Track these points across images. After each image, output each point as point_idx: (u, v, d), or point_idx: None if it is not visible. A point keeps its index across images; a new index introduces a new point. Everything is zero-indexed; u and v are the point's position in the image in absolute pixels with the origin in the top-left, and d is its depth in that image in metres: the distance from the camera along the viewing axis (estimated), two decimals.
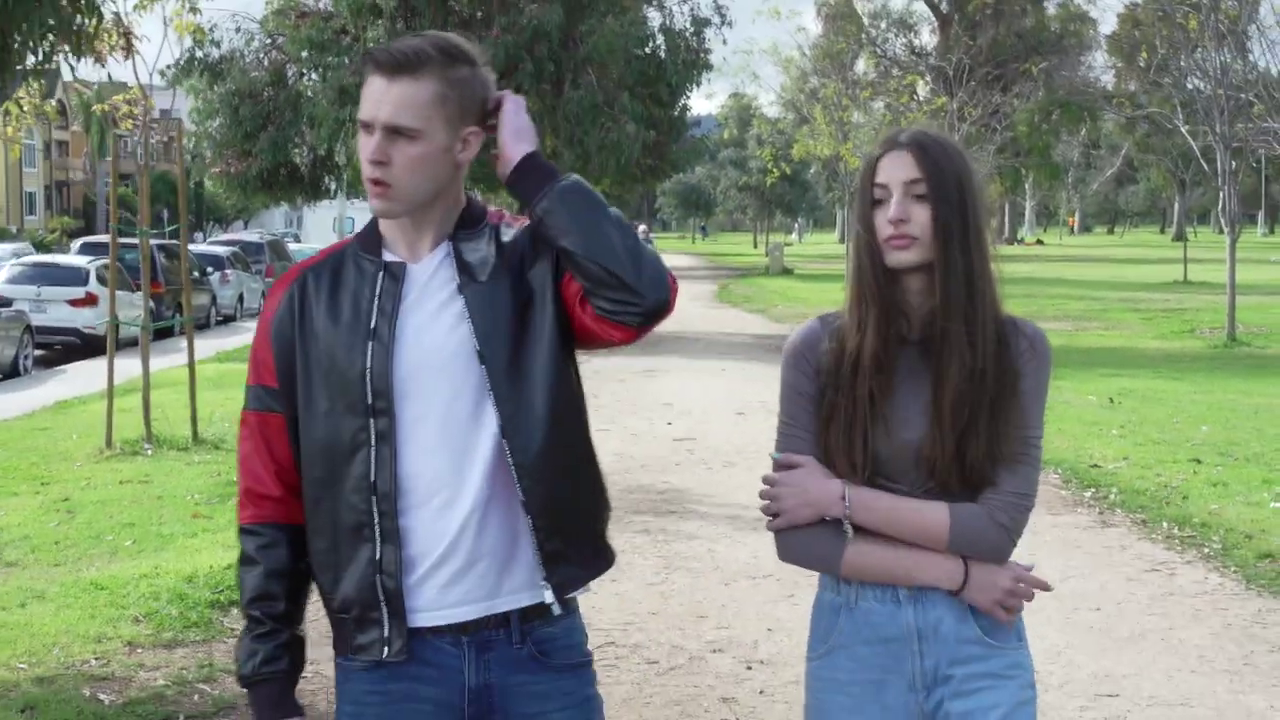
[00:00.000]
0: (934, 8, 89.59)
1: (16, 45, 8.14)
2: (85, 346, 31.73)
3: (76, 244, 52.62)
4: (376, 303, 3.67)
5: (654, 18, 37.94)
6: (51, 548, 11.57)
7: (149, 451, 16.58)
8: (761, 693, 8.04)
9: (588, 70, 32.17)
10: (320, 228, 76.58)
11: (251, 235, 65.93)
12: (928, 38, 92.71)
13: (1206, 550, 11.45)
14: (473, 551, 3.64)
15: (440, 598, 3.65)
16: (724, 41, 46.03)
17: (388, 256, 3.75)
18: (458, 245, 3.74)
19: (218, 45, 33.53)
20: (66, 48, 8.64)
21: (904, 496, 3.72)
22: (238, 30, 34.71)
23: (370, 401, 3.63)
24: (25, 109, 11.13)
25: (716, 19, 36.86)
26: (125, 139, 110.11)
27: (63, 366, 29.05)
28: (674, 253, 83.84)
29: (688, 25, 36.68)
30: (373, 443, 3.63)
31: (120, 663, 8.49)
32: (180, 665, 8.47)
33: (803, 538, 3.78)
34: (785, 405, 3.88)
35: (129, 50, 12.60)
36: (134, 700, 7.84)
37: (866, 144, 50.65)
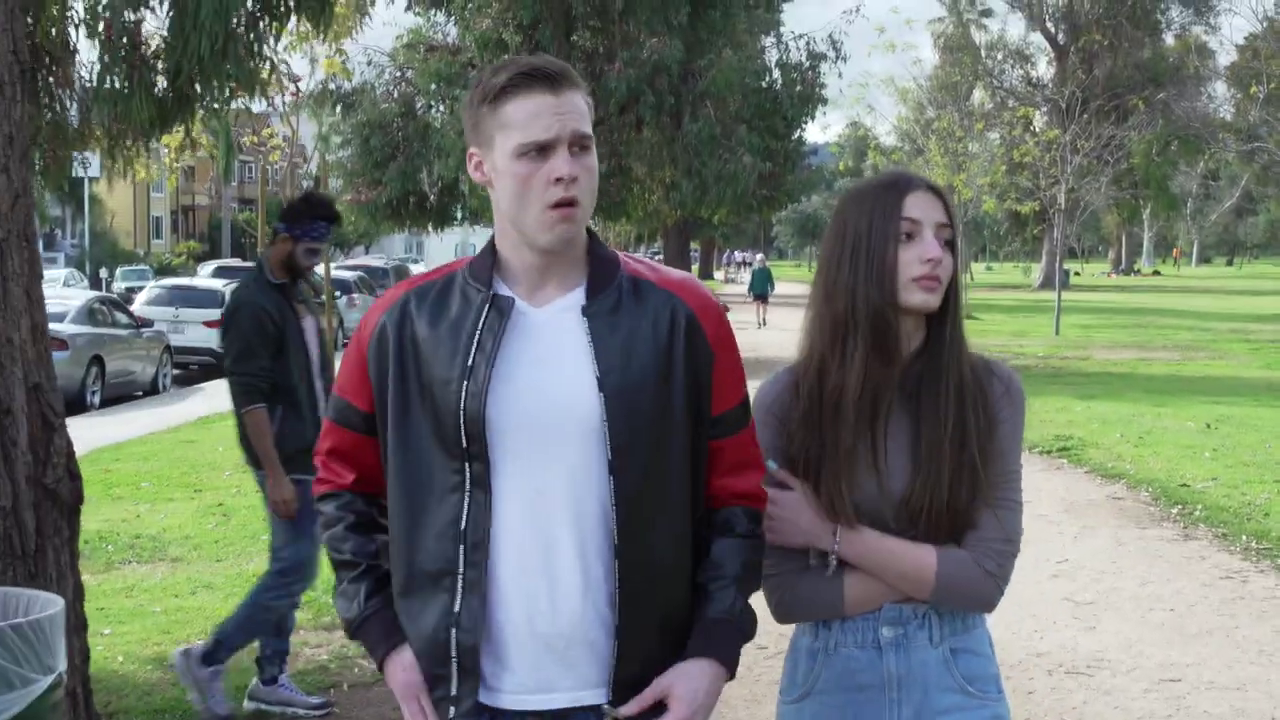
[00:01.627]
0: (1051, 39, 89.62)
1: (198, 93, 9.22)
2: (219, 366, 32.94)
3: (203, 267, 54.02)
4: (477, 338, 3.44)
5: (770, 53, 38.86)
6: (212, 546, 12.68)
7: None
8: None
9: (706, 103, 33.03)
10: (442, 253, 77.66)
11: (376, 260, 67.12)
12: (1044, 69, 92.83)
13: None
14: (567, 631, 3.45)
15: (524, 679, 3.49)
16: (839, 75, 46.72)
17: (499, 289, 3.53)
18: (592, 309, 3.48)
19: (349, 78, 34.75)
20: (243, 93, 9.70)
21: (892, 536, 3.64)
22: (369, 63, 35.83)
23: (464, 445, 3.41)
24: (199, 143, 12.20)
25: (831, 53, 37.59)
26: (250, 164, 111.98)
27: (200, 385, 30.19)
28: (789, 280, 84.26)
29: (803, 59, 37.45)
30: (468, 488, 3.43)
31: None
32: (340, 643, 9.46)
33: (799, 596, 3.72)
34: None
35: (297, 93, 13.66)
36: (302, 671, 8.86)
37: (979, 175, 51.27)
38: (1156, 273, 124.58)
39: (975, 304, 55.33)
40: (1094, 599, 10.75)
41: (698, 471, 3.57)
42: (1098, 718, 8.26)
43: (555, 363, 3.44)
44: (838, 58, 37.75)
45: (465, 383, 3.41)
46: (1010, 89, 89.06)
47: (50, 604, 4.91)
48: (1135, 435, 20.09)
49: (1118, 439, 19.66)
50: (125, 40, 9.08)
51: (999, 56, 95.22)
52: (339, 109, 35.57)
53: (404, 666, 3.56)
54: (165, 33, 8.95)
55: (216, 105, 9.44)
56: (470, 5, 33.03)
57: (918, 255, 3.61)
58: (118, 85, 9.12)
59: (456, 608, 3.43)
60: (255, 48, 9.14)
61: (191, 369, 32.93)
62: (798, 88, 36.96)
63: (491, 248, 3.61)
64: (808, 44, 37.66)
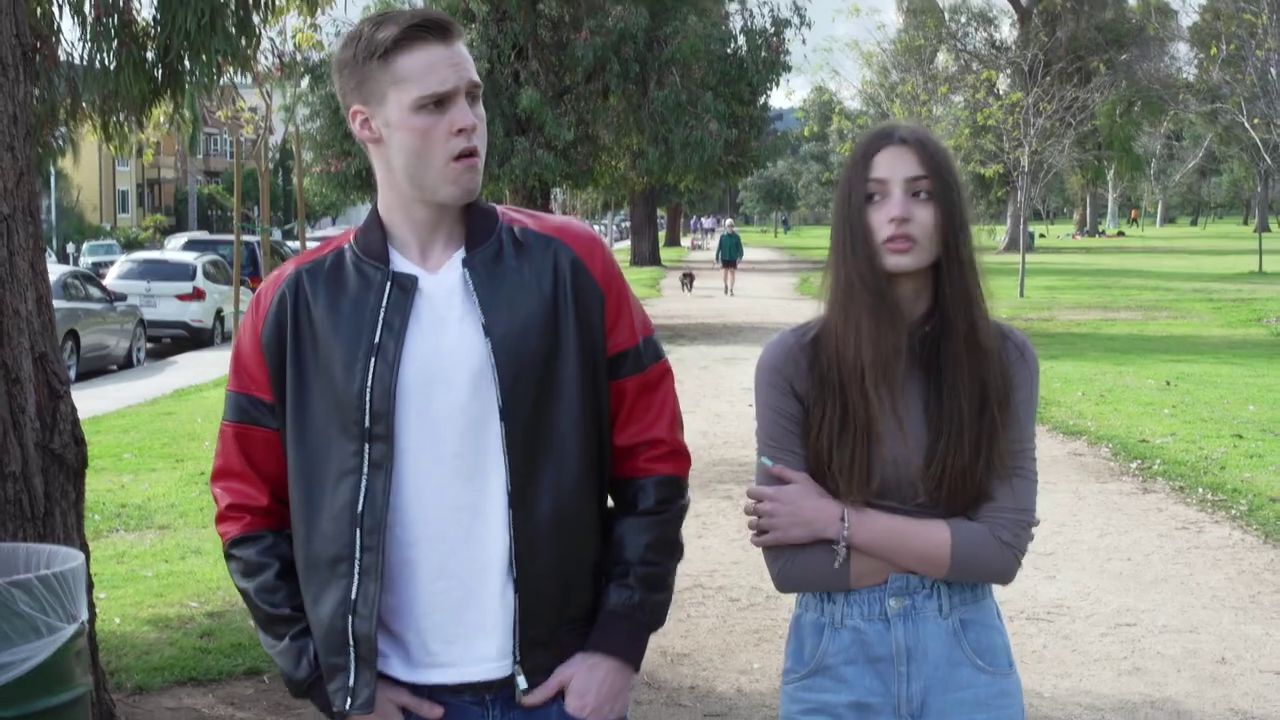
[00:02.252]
0: (1014, 2, 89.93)
1: (188, 68, 9.52)
2: (192, 339, 33.23)
3: (170, 240, 54.07)
4: (382, 316, 3.38)
5: (735, 19, 39.17)
6: (197, 514, 12.98)
7: None
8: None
9: (672, 71, 33.34)
10: None
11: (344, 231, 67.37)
12: (1008, 31, 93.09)
13: (1234, 511, 12.65)
14: (470, 598, 3.41)
15: (435, 653, 3.45)
16: (803, 41, 46.51)
17: (396, 265, 3.46)
18: (474, 261, 3.45)
19: (322, 50, 34.89)
20: (231, 69, 10.00)
21: (900, 515, 3.57)
22: (337, 34, 36.00)
23: (367, 425, 3.34)
24: (184, 118, 12.48)
25: (796, 19, 37.90)
26: (215, 137, 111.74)
27: (173, 358, 30.41)
28: (756, 246, 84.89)
29: (768, 25, 37.75)
30: (364, 470, 3.34)
31: None
32: None
33: (802, 564, 3.61)
34: (766, 426, 3.69)
35: (282, 67, 13.95)
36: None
37: (944, 139, 51.56)
38: (1121, 234, 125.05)
39: None
40: (1054, 550, 11.11)
41: (599, 417, 3.51)
42: (1056, 660, 8.64)
43: (447, 323, 3.40)
44: (802, 24, 38.07)
45: (373, 360, 3.34)
46: (974, 52, 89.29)
47: (71, 558, 5.27)
48: (1096, 394, 20.50)
49: (1079, 397, 20.06)
50: (114, 18, 9.35)
51: (963, 20, 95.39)
52: (307, 81, 35.73)
53: None
54: (155, 10, 9.24)
55: (206, 80, 9.74)
56: None
57: (884, 216, 3.49)
58: (107, 63, 9.40)
59: (353, 595, 3.34)
60: (244, 23, 9.45)
61: (164, 342, 33.06)
62: (762, 54, 37.25)
63: (376, 219, 3.52)
64: (772, 11, 37.99)
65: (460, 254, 3.46)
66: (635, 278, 51.37)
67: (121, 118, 10.35)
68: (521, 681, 3.43)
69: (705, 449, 15.48)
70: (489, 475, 3.37)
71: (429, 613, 3.40)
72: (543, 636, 3.42)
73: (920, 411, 3.54)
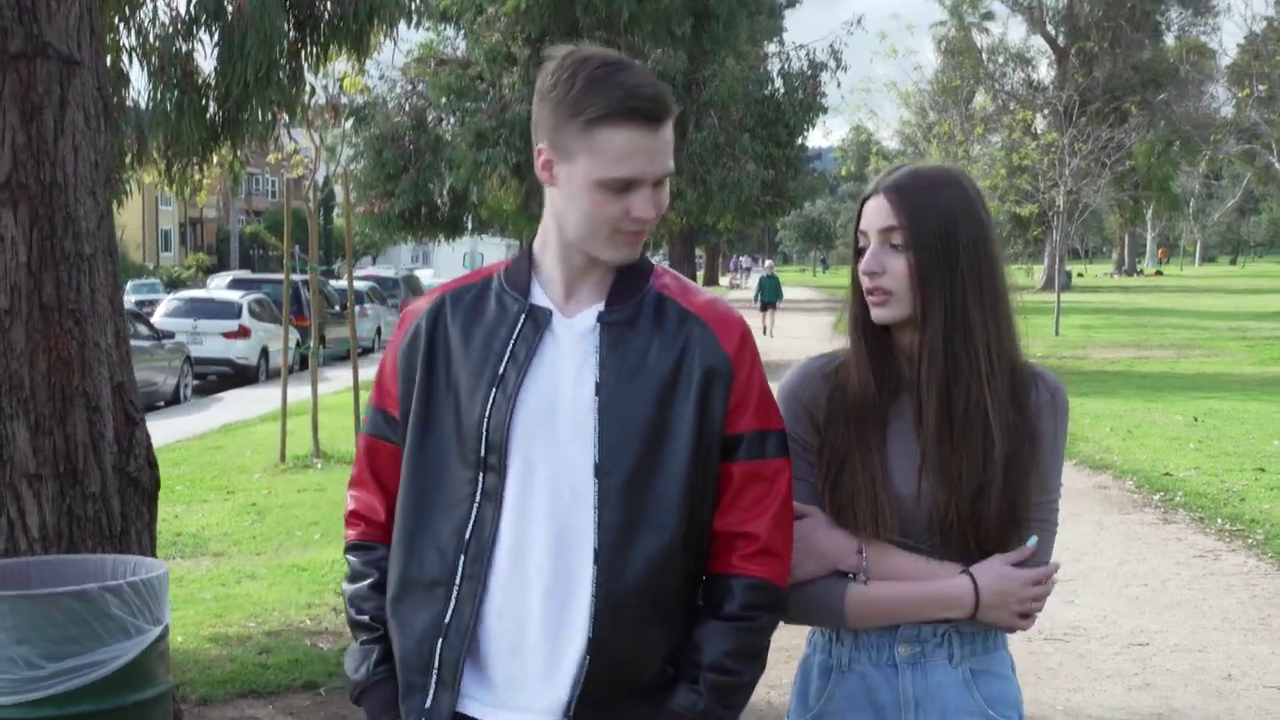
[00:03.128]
0: (1051, 41, 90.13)
1: (247, 117, 10.08)
2: (237, 376, 33.84)
3: (213, 280, 54.73)
4: (510, 347, 3.39)
5: (772, 62, 39.70)
6: (250, 541, 13.53)
7: (318, 465, 18.58)
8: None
9: (710, 113, 33.90)
10: (450, 263, 78.30)
11: (385, 270, 67.88)
12: (1045, 71, 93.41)
13: (1250, 540, 13.12)
14: (546, 652, 3.35)
15: (502, 695, 3.39)
16: (838, 85, 46.87)
17: (536, 299, 3.46)
18: (609, 318, 3.41)
19: (370, 94, 35.51)
20: (285, 116, 10.56)
21: (919, 555, 3.51)
22: (381, 77, 36.68)
23: (483, 454, 3.35)
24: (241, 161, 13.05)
25: (832, 62, 38.40)
26: (256, 176, 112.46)
27: (219, 394, 30.97)
28: (794, 285, 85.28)
29: (805, 68, 38.26)
30: (477, 498, 3.35)
31: (330, 622, 10.36)
32: None
33: (809, 595, 3.53)
34: None
35: (336, 115, 14.53)
36: (347, 648, 9.68)
37: (980, 178, 51.99)
38: (1159, 273, 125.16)
39: None
40: (1074, 576, 11.55)
41: (703, 497, 3.41)
42: (1070, 676, 9.10)
43: (570, 372, 3.37)
44: (838, 67, 38.57)
45: (494, 390, 3.35)
46: (1011, 92, 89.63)
47: (156, 567, 5.80)
48: (1124, 429, 20.92)
49: (1107, 433, 20.48)
50: (176, 68, 9.89)
51: (1000, 60, 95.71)
52: (350, 122, 36.37)
53: None
54: (214, 61, 9.78)
55: (263, 128, 10.29)
56: (480, 19, 33.85)
57: (861, 268, 3.54)
58: (169, 110, 9.95)
59: (448, 619, 3.34)
60: (296, 74, 10.00)
61: (210, 379, 33.67)
62: (799, 96, 37.76)
63: (528, 252, 3.53)
64: (809, 54, 38.50)
65: (599, 307, 3.42)
66: None
67: (184, 162, 10.88)
68: None
69: None
70: (581, 530, 3.32)
71: (503, 654, 3.37)
72: (602, 699, 3.32)
73: (930, 457, 3.47)
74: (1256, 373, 31.21)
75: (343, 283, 39.27)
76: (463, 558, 3.35)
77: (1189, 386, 27.75)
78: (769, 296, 48.14)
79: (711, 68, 34.08)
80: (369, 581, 3.55)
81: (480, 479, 3.36)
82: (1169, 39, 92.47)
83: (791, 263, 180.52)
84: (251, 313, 34.79)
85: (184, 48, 9.87)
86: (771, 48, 42.74)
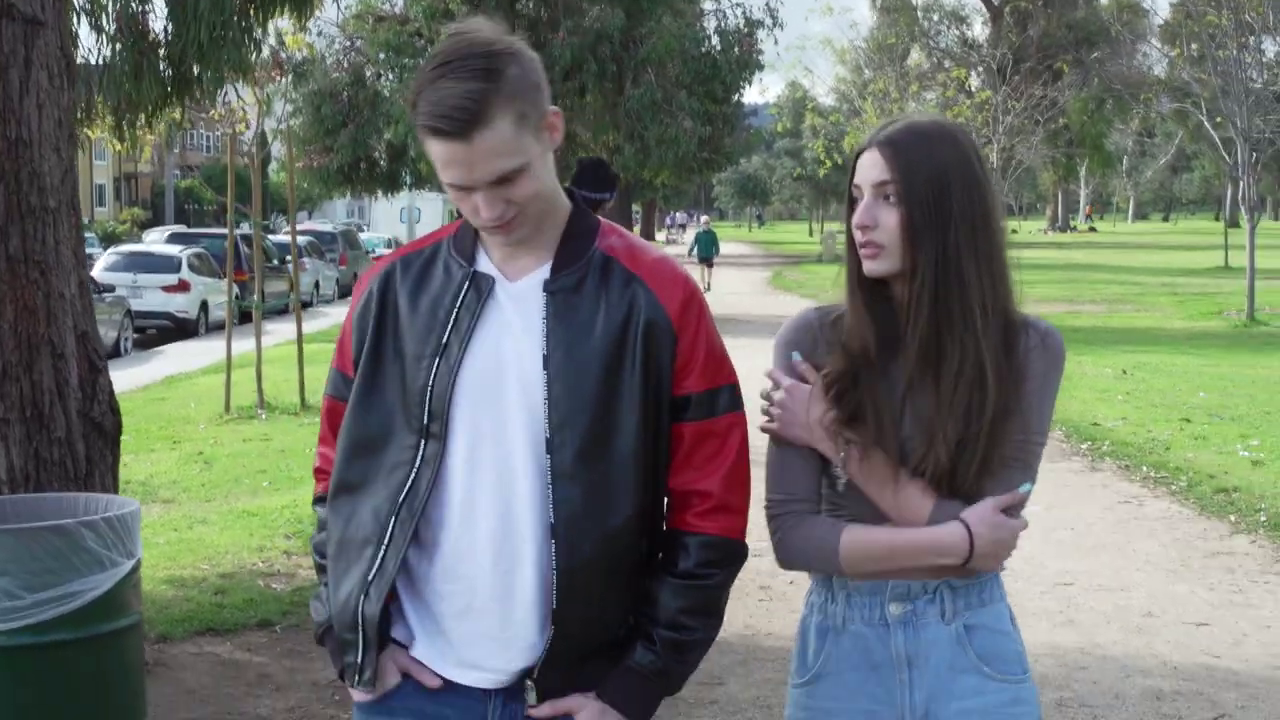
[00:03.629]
0: (986, 0, 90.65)
1: (197, 74, 10.32)
2: (177, 329, 33.96)
3: (149, 234, 54.58)
4: (454, 315, 3.40)
5: (709, 20, 39.97)
6: (199, 488, 13.78)
7: (263, 416, 18.85)
8: (791, 582, 10.07)
9: (647, 70, 34.11)
10: (387, 218, 78.25)
11: (323, 225, 67.87)
12: (980, 30, 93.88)
13: (1174, 488, 13.56)
14: (498, 615, 3.41)
15: (459, 653, 3.47)
16: (775, 42, 46.76)
17: (480, 265, 3.47)
18: (554, 287, 3.41)
19: (313, 52, 35.56)
20: (235, 75, 10.81)
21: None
22: (319, 33, 36.77)
23: (425, 422, 3.39)
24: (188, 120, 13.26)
25: (769, 20, 38.69)
26: (190, 132, 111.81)
27: (159, 348, 31.04)
28: (731, 241, 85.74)
29: (741, 26, 38.54)
30: (416, 464, 3.39)
31: (282, 564, 10.65)
32: None
33: (802, 535, 3.51)
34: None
35: (280, 71, 14.74)
36: (299, 588, 9.97)
37: None
38: (1093, 229, 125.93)
39: None
40: None
41: (656, 460, 3.44)
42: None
43: (514, 338, 3.38)
44: (774, 24, 38.86)
45: (438, 360, 3.37)
46: (946, 50, 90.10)
47: (128, 504, 6.12)
48: None
49: None
50: (131, 29, 10.11)
51: (935, 18, 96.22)
52: (289, 78, 36.46)
53: None
54: (167, 22, 10.02)
55: (214, 87, 10.54)
56: None
57: (854, 221, 3.50)
58: (124, 70, 10.17)
59: (370, 576, 3.39)
60: (247, 32, 10.25)
61: (150, 333, 33.71)
62: (735, 54, 38.03)
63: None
64: (745, 12, 38.79)
65: (544, 272, 3.43)
66: None
67: (134, 119, 11.10)
68: (531, 697, 3.44)
69: None
70: (531, 501, 3.35)
71: (455, 616, 3.44)
72: (565, 663, 3.39)
73: (918, 409, 3.45)
74: (1185, 327, 31.76)
75: (280, 237, 39.55)
76: (393, 520, 3.38)
77: (1119, 340, 28.26)
78: (705, 251, 48.26)
79: (648, 25, 34.26)
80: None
81: (422, 445, 3.38)
82: None
83: (728, 218, 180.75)
84: (191, 267, 34.85)
85: (138, 8, 10.08)
86: (708, 4, 42.93)
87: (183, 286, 34.32)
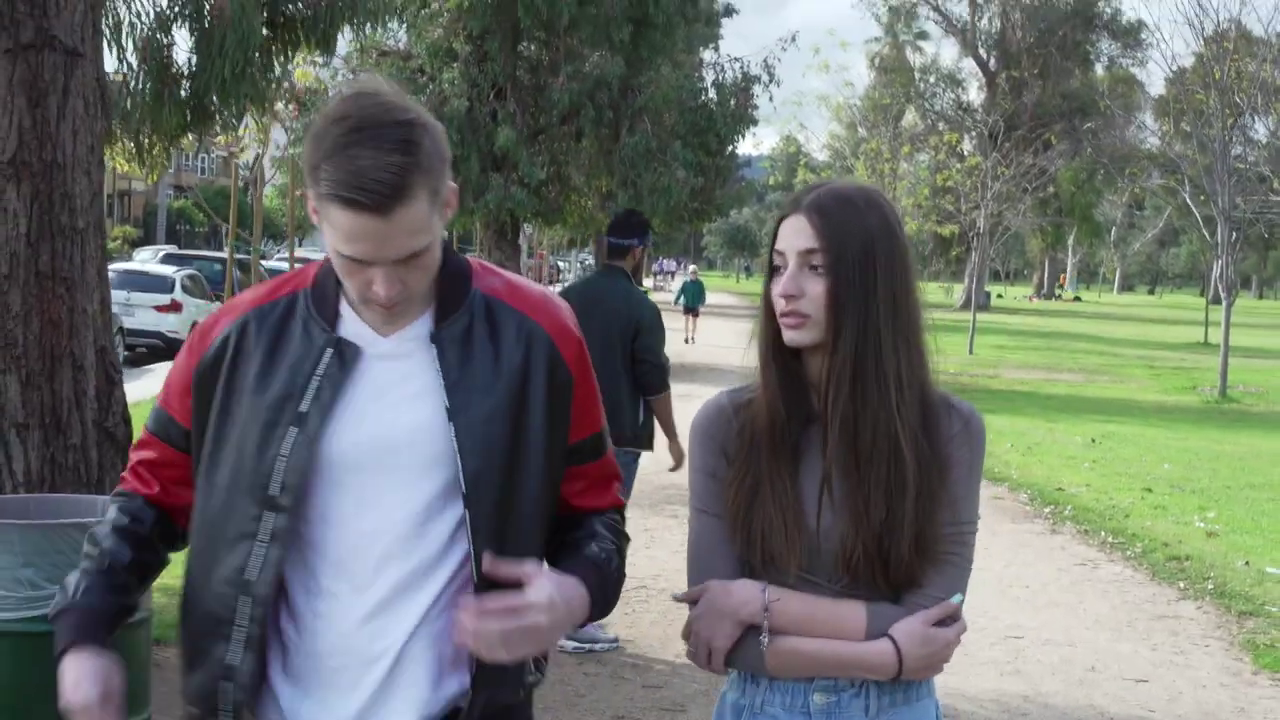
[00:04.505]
0: (982, 65, 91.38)
1: (217, 109, 10.82)
2: (167, 349, 34.34)
3: (140, 253, 54.91)
4: (314, 387, 3.16)
5: (707, 72, 40.49)
6: None
7: None
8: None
9: (643, 118, 34.53)
10: None
11: (314, 252, 68.19)
12: (975, 94, 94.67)
13: (1129, 553, 14.08)
14: (382, 682, 3.19)
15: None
16: (770, 99, 46.93)
17: (345, 328, 3.23)
18: (442, 337, 3.22)
19: (323, 86, 35.99)
20: (253, 108, 11.32)
21: (820, 596, 3.28)
22: (323, 65, 37.21)
23: (273, 493, 3.13)
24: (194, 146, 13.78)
25: (765, 77, 39.21)
26: (185, 153, 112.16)
27: (149, 366, 31.44)
28: (717, 291, 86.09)
29: (738, 81, 39.07)
30: (262, 539, 3.13)
31: None
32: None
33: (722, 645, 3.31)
34: (695, 485, 3.43)
35: (300, 106, 15.22)
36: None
37: (904, 197, 52.98)
38: (1078, 298, 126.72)
39: None
40: None
41: (553, 500, 3.36)
42: (947, 664, 9.93)
43: (399, 397, 3.19)
44: (771, 81, 39.38)
45: (293, 430, 3.14)
46: (940, 112, 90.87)
47: None
48: (1025, 446, 21.93)
49: (1008, 449, 21.45)
50: (156, 60, 10.61)
51: (931, 79, 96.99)
52: (289, 107, 36.87)
53: (76, 676, 3.20)
54: (192, 55, 10.52)
55: (234, 119, 11.06)
56: (423, 13, 34.45)
57: (777, 290, 3.31)
58: (146, 99, 10.67)
59: (231, 661, 3.16)
60: (268, 69, 10.77)
61: (140, 351, 34.05)
62: (731, 107, 38.54)
63: (336, 279, 3.23)
64: (743, 68, 39.29)
65: (425, 324, 3.25)
66: None
67: (155, 148, 11.60)
68: None
69: (656, 474, 16.78)
70: (443, 561, 3.19)
71: (341, 685, 3.21)
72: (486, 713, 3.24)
73: (835, 490, 3.26)
74: (1157, 400, 32.30)
75: (274, 263, 39.96)
76: (244, 598, 3.14)
77: (1092, 409, 28.80)
78: (692, 301, 48.37)
79: (647, 75, 34.70)
80: (113, 525, 3.40)
81: (267, 518, 3.14)
82: (1098, 69, 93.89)
83: (716, 268, 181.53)
84: (184, 288, 35.25)
85: (165, 41, 10.57)
86: (707, 55, 43.51)
87: (175, 307, 34.66)
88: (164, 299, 34.70)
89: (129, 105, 10.71)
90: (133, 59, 10.49)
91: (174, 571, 9.26)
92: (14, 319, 7.70)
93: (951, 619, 3.34)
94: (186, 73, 10.67)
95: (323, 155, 2.97)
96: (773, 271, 3.36)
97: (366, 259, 3.00)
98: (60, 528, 6.17)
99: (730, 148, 41.49)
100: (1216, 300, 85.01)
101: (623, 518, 3.54)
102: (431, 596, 3.18)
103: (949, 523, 3.26)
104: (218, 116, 10.88)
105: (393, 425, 3.17)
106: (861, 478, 3.23)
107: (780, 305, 3.28)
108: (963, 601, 3.36)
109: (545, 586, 3.06)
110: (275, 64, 10.93)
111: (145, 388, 26.43)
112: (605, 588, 3.32)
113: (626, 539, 3.51)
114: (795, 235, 3.29)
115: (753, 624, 3.26)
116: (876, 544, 3.20)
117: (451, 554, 3.19)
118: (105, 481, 8.00)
